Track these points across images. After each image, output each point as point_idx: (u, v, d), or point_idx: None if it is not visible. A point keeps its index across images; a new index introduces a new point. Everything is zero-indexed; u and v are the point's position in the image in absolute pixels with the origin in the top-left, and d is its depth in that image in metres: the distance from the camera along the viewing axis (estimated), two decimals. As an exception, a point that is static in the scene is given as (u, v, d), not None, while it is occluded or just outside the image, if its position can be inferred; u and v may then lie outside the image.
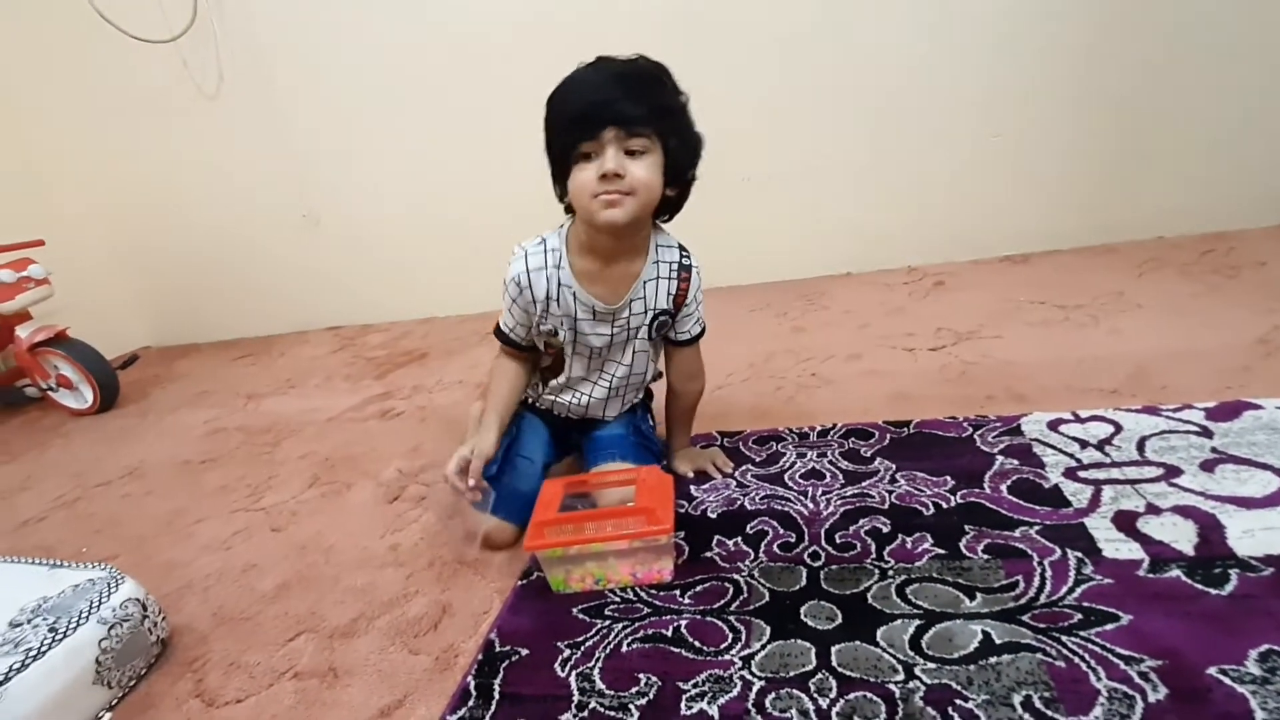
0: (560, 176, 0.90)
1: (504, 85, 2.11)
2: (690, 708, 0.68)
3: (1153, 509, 0.84)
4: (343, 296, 2.61)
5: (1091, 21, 1.82)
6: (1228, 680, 0.61)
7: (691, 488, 1.07)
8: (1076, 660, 0.65)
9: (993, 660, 0.67)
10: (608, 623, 0.82)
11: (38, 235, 2.07)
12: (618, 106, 0.82)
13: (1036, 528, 0.85)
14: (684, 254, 0.99)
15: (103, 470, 1.63)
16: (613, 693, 0.71)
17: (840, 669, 0.69)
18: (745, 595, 0.82)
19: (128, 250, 2.71)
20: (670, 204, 0.94)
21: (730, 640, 0.76)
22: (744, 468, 1.11)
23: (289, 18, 2.24)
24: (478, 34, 2.12)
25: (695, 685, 0.70)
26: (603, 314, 0.97)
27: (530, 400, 1.14)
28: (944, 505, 0.92)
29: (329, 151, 2.39)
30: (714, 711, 0.67)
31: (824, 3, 1.92)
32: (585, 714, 0.69)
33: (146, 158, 2.53)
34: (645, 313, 0.98)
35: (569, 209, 0.94)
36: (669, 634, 0.78)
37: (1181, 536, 0.79)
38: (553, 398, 1.10)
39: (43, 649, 0.79)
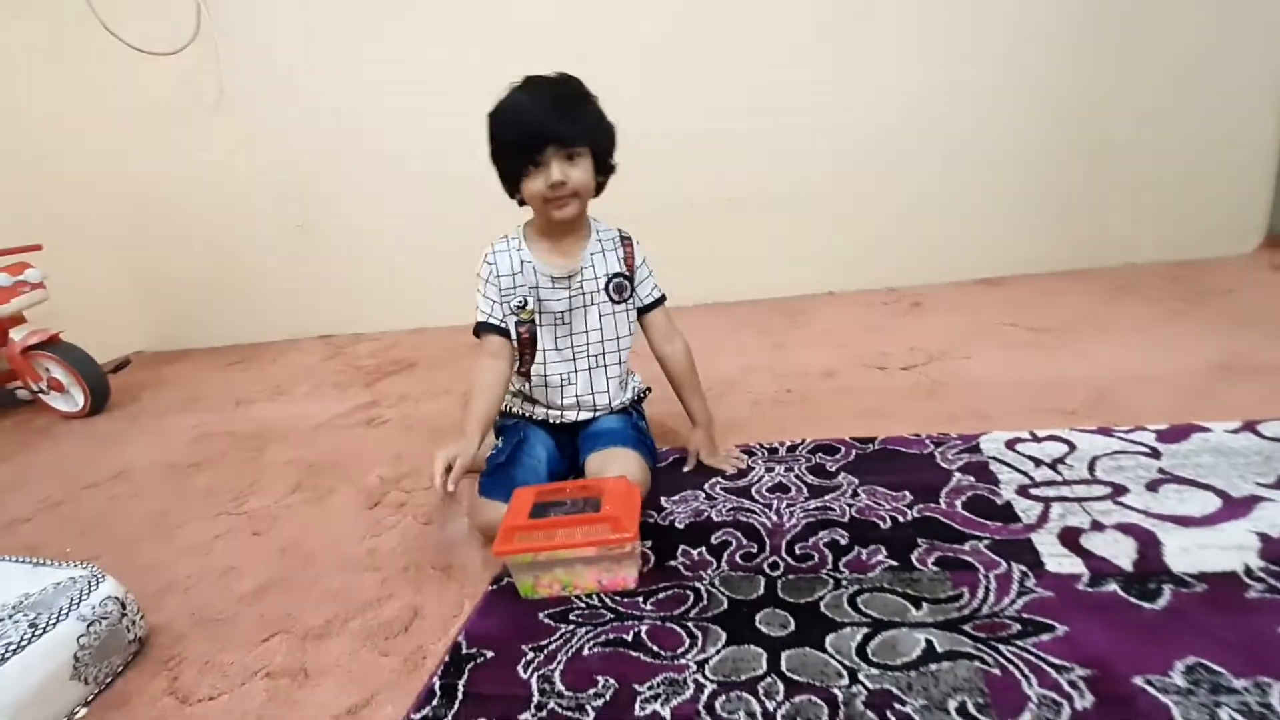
0: (510, 181, 1.07)
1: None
2: (644, 709, 0.71)
3: (1097, 526, 0.88)
4: (335, 305, 2.65)
5: (1069, 54, 1.89)
6: (1152, 690, 0.64)
7: (662, 498, 1.10)
8: (1011, 668, 0.69)
9: (933, 667, 0.70)
10: (572, 627, 0.85)
11: (37, 240, 2.10)
12: (557, 130, 0.99)
13: (986, 542, 0.88)
14: (621, 231, 1.18)
15: (90, 473, 1.65)
16: (571, 694, 0.74)
17: (789, 673, 0.72)
18: (705, 602, 0.85)
19: (125, 256, 2.75)
20: (599, 185, 1.10)
21: (687, 645, 0.79)
22: (713, 480, 1.14)
23: (289, 33, 2.30)
24: (474, 49, 2.18)
25: (650, 688, 0.73)
26: (559, 279, 1.11)
27: (527, 414, 1.20)
28: (900, 519, 0.96)
29: (325, 163, 2.44)
30: (666, 713, 0.70)
31: (810, 30, 1.98)
32: (544, 714, 0.72)
33: (146, 166, 2.58)
34: (597, 278, 1.13)
35: (521, 203, 1.10)
36: (629, 638, 0.81)
37: (1121, 552, 0.82)
38: (543, 393, 1.17)
39: (22, 643, 0.81)
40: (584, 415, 1.18)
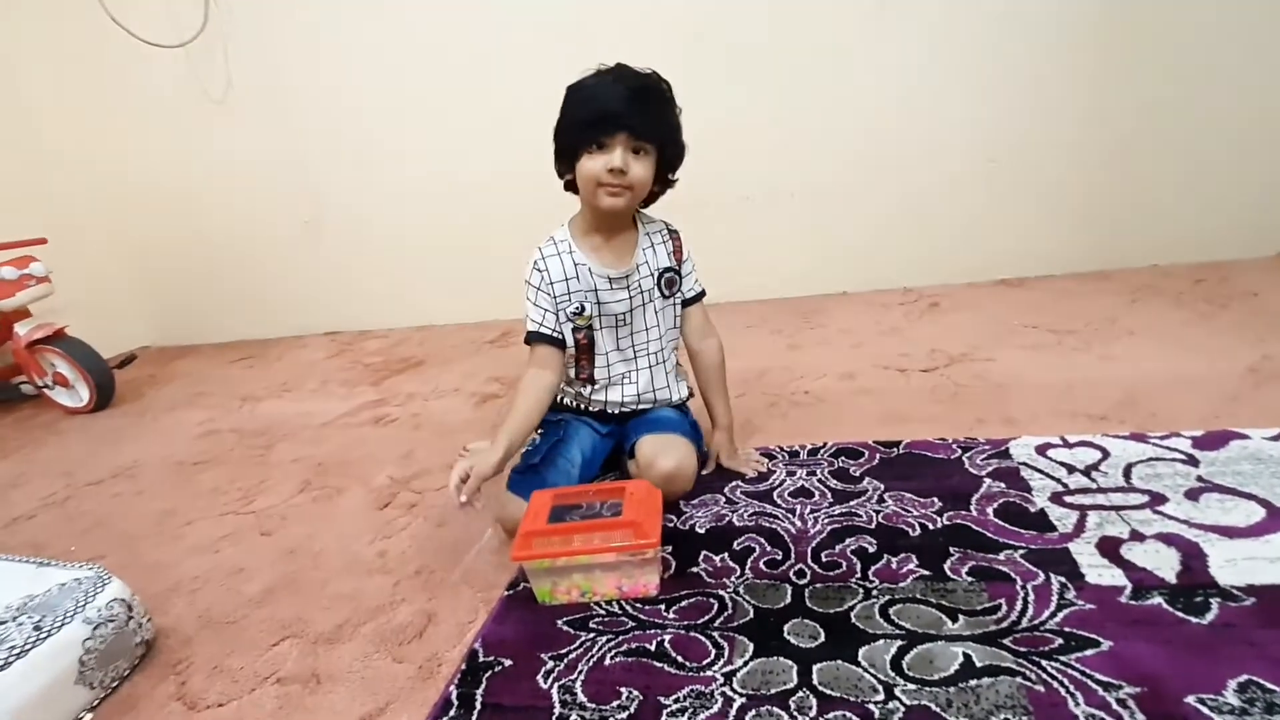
0: (566, 157, 1.02)
1: (509, 97, 2.14)
2: (670, 723, 0.68)
3: (1137, 536, 0.85)
4: (342, 302, 2.63)
5: (1091, 52, 1.85)
6: (1206, 709, 0.61)
7: (681, 503, 1.08)
8: (1056, 685, 0.66)
9: (972, 683, 0.67)
10: (592, 635, 0.82)
11: (44, 234, 2.08)
12: (633, 119, 0.96)
13: (1021, 551, 0.85)
14: (668, 224, 1.15)
15: (95, 469, 1.63)
16: (594, 705, 0.71)
17: (821, 688, 0.69)
18: (730, 611, 0.82)
19: (132, 250, 2.73)
20: (653, 195, 1.08)
21: (713, 656, 0.76)
22: (734, 484, 1.11)
23: (297, 27, 2.27)
24: (484, 47, 2.15)
25: (676, 700, 0.70)
26: (617, 279, 1.08)
27: (580, 405, 1.17)
28: (930, 526, 0.93)
29: (333, 158, 2.41)
30: (694, 727, 0.67)
31: (827, 27, 1.95)
32: (566, 727, 0.69)
33: (153, 160, 2.56)
34: (651, 274, 1.10)
35: (568, 186, 1.06)
36: (652, 648, 0.78)
37: (1164, 564, 0.79)
38: (603, 396, 1.14)
39: (26, 647, 0.79)
40: (644, 407, 1.16)
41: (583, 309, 1.07)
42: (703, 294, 1.17)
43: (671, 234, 1.14)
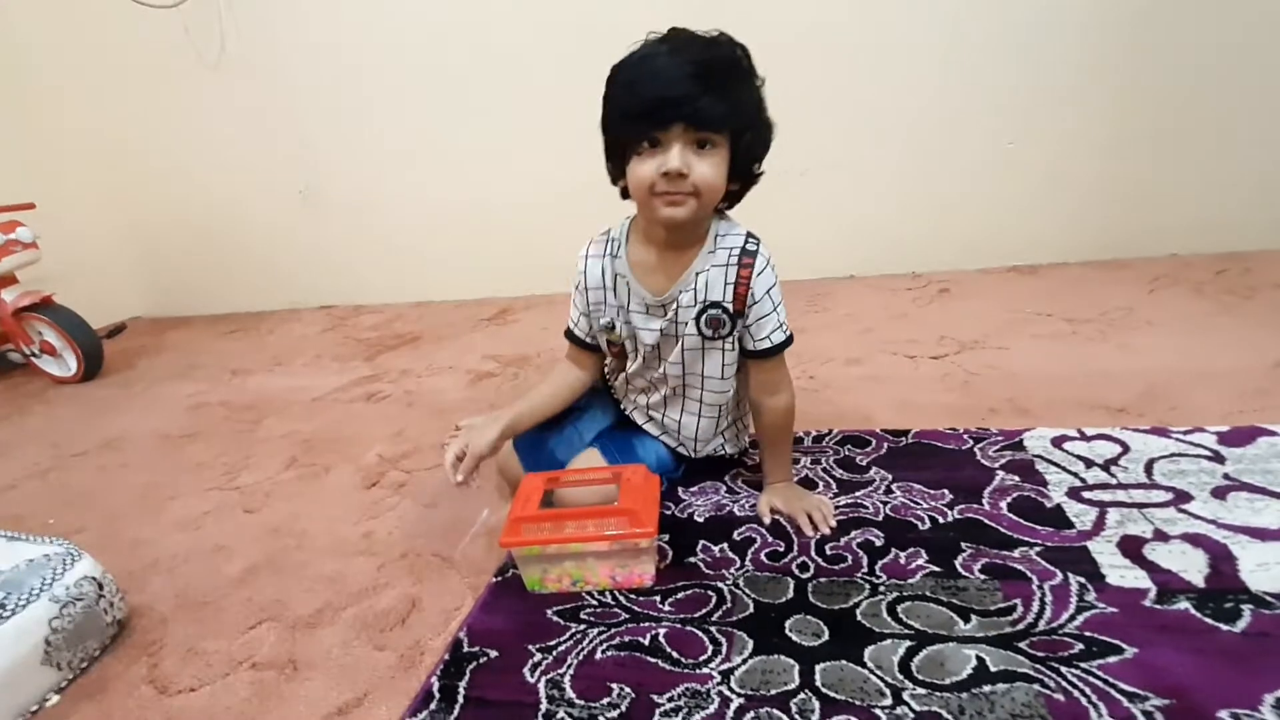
0: (616, 158, 0.84)
1: (509, 71, 2.05)
2: (663, 723, 0.64)
3: (1161, 535, 0.80)
4: (337, 275, 2.57)
5: (1113, 35, 1.78)
6: (1238, 724, 0.57)
7: (679, 489, 1.03)
8: (1076, 694, 0.61)
9: (986, 689, 0.63)
10: (583, 627, 0.78)
11: (30, 198, 2.02)
12: (693, 105, 0.74)
13: (1037, 549, 0.80)
14: (749, 240, 0.88)
15: (81, 440, 1.59)
16: (583, 702, 0.67)
17: (824, 689, 0.65)
18: (728, 605, 0.78)
19: (123, 218, 2.67)
20: (733, 195, 0.87)
21: (710, 653, 0.72)
22: (734, 471, 1.07)
23: (294, -13, 2.19)
24: (483, 16, 2.07)
25: (670, 699, 0.66)
26: (653, 307, 0.91)
27: (607, 386, 1.08)
28: (940, 520, 0.88)
29: (330, 128, 2.34)
30: (688, 729, 0.63)
31: (839, 6, 1.87)
32: (552, 724, 0.65)
33: (145, 125, 2.48)
34: (693, 305, 0.88)
35: (624, 193, 0.87)
36: (646, 642, 0.74)
37: (1191, 566, 0.75)
38: (632, 403, 1.05)
39: (-13, 626, 0.75)
40: (649, 427, 1.03)
41: (614, 326, 0.94)
42: (783, 345, 0.90)
43: (744, 255, 0.86)
